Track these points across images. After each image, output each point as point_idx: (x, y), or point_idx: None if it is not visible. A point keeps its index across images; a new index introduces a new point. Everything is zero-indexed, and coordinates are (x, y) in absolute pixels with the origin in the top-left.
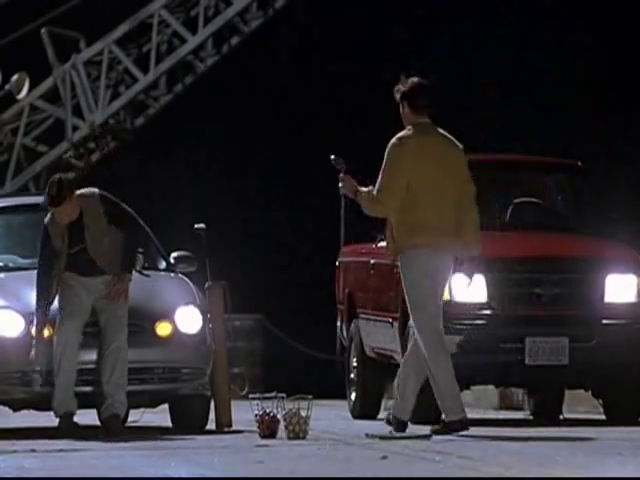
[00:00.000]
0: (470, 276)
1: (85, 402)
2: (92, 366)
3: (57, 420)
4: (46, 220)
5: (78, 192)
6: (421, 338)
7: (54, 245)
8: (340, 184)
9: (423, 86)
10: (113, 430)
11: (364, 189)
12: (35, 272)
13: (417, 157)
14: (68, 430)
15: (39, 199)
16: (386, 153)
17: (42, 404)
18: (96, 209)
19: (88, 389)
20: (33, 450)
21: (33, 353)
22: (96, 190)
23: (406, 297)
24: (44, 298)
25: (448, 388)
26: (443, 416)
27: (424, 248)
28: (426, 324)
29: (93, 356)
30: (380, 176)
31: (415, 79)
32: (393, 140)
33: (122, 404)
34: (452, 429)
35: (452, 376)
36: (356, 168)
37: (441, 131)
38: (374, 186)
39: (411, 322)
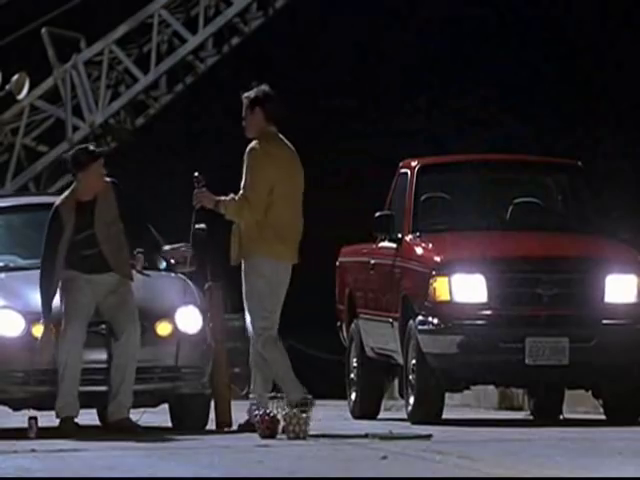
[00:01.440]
0: None
1: (87, 402)
2: (94, 366)
3: (58, 420)
4: (57, 201)
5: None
6: (259, 342)
7: (62, 227)
8: (195, 199)
9: (276, 95)
10: (128, 431)
11: (225, 197)
12: (35, 272)
13: (278, 165)
14: (69, 432)
15: (39, 199)
16: (249, 158)
17: (42, 404)
18: (110, 197)
19: (90, 389)
20: (33, 450)
21: (41, 352)
22: (113, 180)
23: (245, 301)
24: (49, 289)
25: (288, 375)
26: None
27: (270, 256)
28: (263, 330)
29: (94, 356)
30: (245, 181)
31: (267, 87)
32: (254, 145)
33: (129, 404)
34: (297, 404)
35: (289, 366)
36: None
37: (286, 140)
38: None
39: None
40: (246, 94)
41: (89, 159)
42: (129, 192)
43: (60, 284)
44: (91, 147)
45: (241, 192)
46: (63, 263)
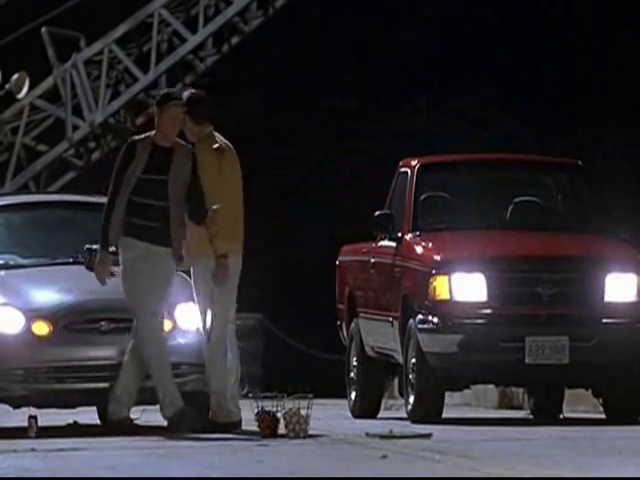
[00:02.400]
0: None
1: (87, 400)
2: (94, 363)
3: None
4: (136, 137)
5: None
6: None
7: (133, 157)
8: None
9: (200, 96)
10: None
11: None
12: (34, 270)
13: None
14: (123, 430)
15: (39, 197)
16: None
17: (43, 401)
18: (187, 160)
19: (90, 386)
20: (33, 450)
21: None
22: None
23: (198, 302)
24: (110, 218)
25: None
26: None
27: (210, 258)
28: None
29: (94, 353)
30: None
31: (188, 91)
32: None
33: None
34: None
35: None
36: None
37: (224, 139)
38: None
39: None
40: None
41: (167, 99)
42: None
43: (120, 251)
44: (175, 92)
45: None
46: (123, 218)
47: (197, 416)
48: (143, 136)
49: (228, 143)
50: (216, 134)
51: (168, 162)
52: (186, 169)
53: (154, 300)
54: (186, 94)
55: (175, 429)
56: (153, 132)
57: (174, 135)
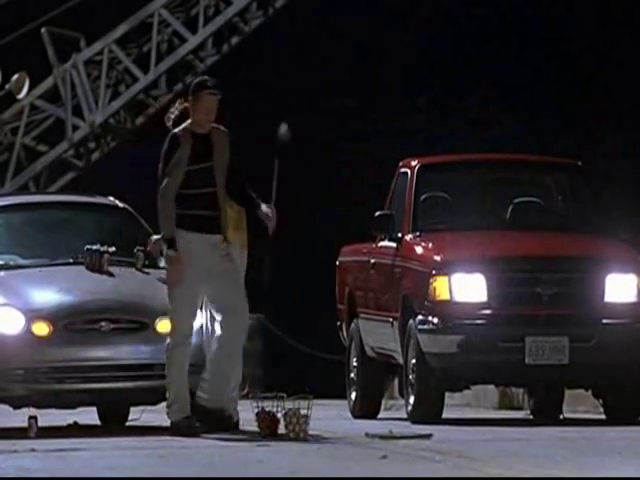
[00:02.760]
0: None
1: (87, 400)
2: (93, 363)
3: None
4: (175, 130)
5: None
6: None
7: (179, 148)
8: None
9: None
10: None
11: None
12: (34, 271)
13: None
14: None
15: (39, 197)
16: None
17: (43, 401)
18: (225, 143)
19: (93, 386)
20: (33, 450)
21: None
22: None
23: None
24: (168, 210)
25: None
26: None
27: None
28: None
29: (93, 353)
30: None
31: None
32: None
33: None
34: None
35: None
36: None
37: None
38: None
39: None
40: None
41: (200, 88)
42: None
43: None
44: (209, 80)
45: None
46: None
47: (202, 424)
48: (181, 127)
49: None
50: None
51: (209, 148)
52: (225, 152)
53: (196, 301)
54: (177, 110)
55: (177, 434)
56: (189, 122)
57: (209, 123)
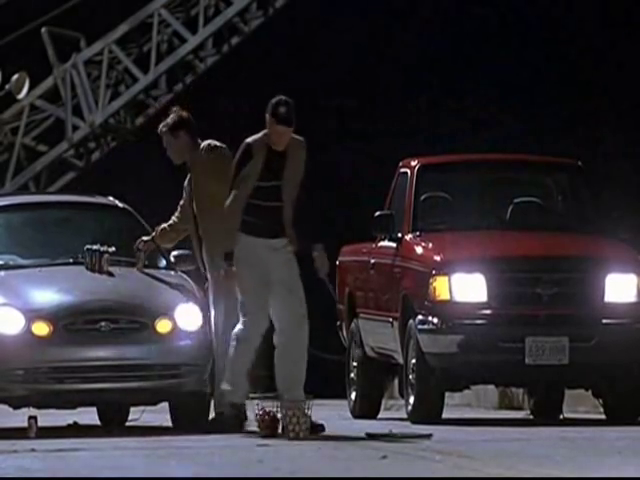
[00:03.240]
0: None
1: (87, 400)
2: (93, 363)
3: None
4: (250, 139)
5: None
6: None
7: (251, 159)
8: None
9: (188, 117)
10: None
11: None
12: (34, 271)
13: None
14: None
15: (39, 198)
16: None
17: (43, 402)
18: (300, 155)
19: (93, 386)
20: (33, 450)
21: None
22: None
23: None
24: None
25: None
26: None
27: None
28: None
29: (94, 353)
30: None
31: (175, 114)
32: (222, 151)
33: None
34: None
35: None
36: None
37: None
38: None
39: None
40: (164, 124)
41: (273, 114)
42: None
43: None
44: (282, 107)
45: None
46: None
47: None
48: (258, 137)
49: (216, 144)
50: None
51: (282, 166)
52: (300, 167)
53: (263, 299)
54: (181, 112)
55: (219, 428)
56: (266, 132)
57: (282, 145)
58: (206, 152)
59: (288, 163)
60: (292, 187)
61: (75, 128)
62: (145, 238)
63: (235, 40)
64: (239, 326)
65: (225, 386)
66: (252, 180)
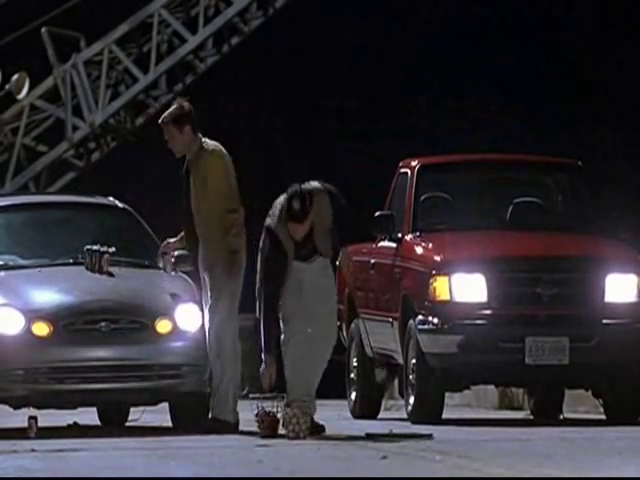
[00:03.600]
0: None
1: (88, 401)
2: (93, 364)
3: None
4: (272, 224)
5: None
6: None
7: (284, 248)
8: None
9: (190, 109)
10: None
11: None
12: (34, 271)
13: None
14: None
15: (39, 198)
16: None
17: (43, 402)
18: (327, 210)
19: (93, 387)
20: (33, 450)
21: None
22: (329, 188)
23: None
24: (271, 323)
25: None
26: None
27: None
28: None
29: (93, 353)
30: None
31: (183, 101)
32: (223, 151)
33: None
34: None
35: None
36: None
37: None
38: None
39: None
40: (169, 115)
41: (301, 216)
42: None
43: None
44: (296, 206)
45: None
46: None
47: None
48: (278, 221)
49: (216, 144)
50: (204, 139)
51: (312, 227)
52: (325, 218)
53: (300, 306)
54: (184, 103)
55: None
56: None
57: (299, 236)
58: (211, 154)
59: (315, 221)
60: (321, 237)
61: (75, 128)
62: (171, 240)
63: (235, 40)
64: (291, 345)
65: (298, 396)
66: (289, 261)
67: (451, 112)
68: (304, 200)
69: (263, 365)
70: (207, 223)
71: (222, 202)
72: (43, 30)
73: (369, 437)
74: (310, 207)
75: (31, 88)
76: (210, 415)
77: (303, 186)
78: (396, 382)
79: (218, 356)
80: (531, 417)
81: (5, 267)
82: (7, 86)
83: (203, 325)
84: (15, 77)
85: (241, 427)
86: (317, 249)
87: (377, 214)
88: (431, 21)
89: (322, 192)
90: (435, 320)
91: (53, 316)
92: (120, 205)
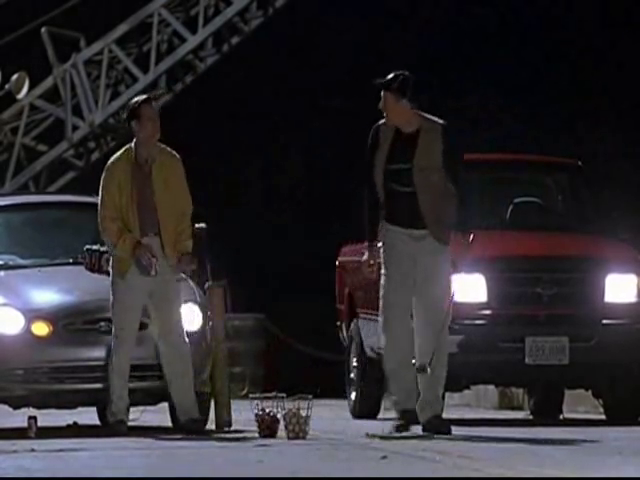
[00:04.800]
0: None
1: (87, 401)
2: (92, 363)
3: None
4: (380, 122)
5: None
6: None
7: (378, 145)
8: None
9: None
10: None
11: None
12: (34, 271)
13: None
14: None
15: (39, 198)
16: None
17: (43, 402)
18: (437, 140)
19: (93, 386)
20: (33, 450)
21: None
22: (443, 123)
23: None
24: (374, 210)
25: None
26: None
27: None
28: None
29: (92, 353)
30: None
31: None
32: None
33: None
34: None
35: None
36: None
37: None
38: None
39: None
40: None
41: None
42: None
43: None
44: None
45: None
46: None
47: None
48: (381, 123)
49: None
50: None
51: (413, 148)
52: (436, 152)
53: (404, 293)
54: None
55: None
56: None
57: (399, 122)
58: (173, 157)
59: (420, 140)
60: (425, 174)
61: (75, 128)
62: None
63: (235, 40)
64: (383, 339)
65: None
66: (381, 163)
67: (451, 112)
68: (406, 79)
69: (366, 254)
70: (167, 222)
71: (178, 207)
72: (43, 30)
73: (369, 437)
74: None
75: (31, 88)
76: (185, 419)
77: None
78: None
79: (181, 357)
80: (531, 417)
81: (5, 267)
82: (7, 86)
83: (204, 325)
84: (15, 77)
85: (241, 427)
86: (413, 180)
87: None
88: (431, 21)
89: (436, 125)
90: None
91: (53, 316)
92: None
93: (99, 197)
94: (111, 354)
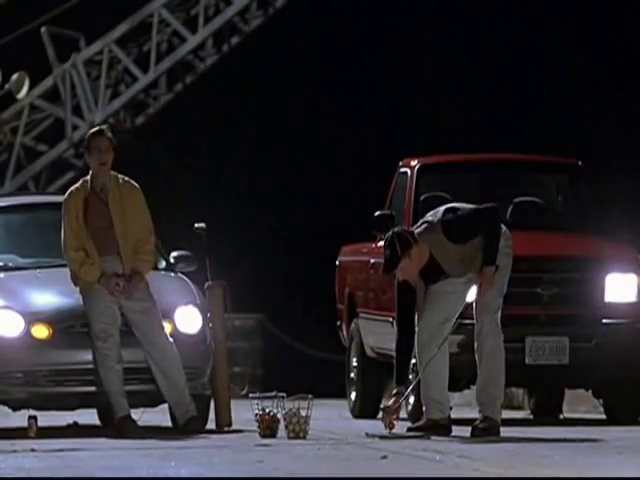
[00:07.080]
0: None
1: (87, 404)
2: (91, 366)
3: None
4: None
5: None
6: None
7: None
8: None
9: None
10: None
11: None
12: (34, 273)
13: None
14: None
15: (39, 198)
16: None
17: (42, 404)
18: (440, 244)
19: (93, 389)
20: (33, 450)
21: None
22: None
23: None
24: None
25: None
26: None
27: None
28: None
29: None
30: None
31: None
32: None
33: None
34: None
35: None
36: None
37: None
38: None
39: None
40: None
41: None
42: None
43: None
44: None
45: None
46: None
47: None
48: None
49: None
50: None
51: (438, 267)
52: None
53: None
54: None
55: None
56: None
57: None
58: (130, 186)
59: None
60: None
61: (75, 128)
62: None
63: (235, 40)
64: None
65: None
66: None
67: (458, 111)
68: (393, 246)
69: (392, 399)
70: (127, 251)
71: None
72: (43, 30)
73: (369, 437)
74: (404, 251)
75: (31, 88)
76: (184, 419)
77: (396, 230)
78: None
79: (165, 357)
80: (531, 417)
81: (4, 268)
82: (7, 86)
83: (204, 327)
84: (15, 77)
85: (241, 427)
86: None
87: (377, 214)
88: (441, 12)
89: (427, 231)
90: None
91: (53, 319)
92: None
93: (62, 228)
94: (97, 366)
